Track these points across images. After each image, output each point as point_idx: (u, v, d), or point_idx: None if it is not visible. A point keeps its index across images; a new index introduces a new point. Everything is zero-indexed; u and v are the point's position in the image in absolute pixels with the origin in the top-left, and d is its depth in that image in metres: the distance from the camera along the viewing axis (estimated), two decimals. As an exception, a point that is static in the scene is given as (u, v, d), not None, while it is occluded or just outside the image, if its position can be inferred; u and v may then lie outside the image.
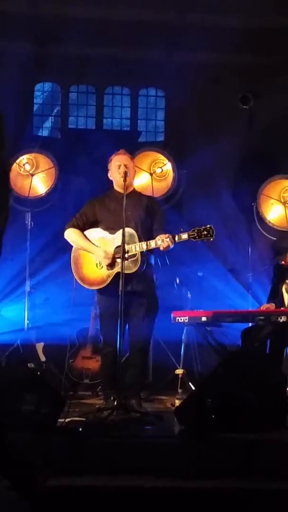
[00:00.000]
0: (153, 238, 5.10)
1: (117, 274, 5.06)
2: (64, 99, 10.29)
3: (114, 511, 3.33)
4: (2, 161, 0.92)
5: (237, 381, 4.33)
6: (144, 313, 5.27)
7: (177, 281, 7.67)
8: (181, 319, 5.90)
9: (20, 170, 8.08)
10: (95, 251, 5.31)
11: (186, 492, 3.46)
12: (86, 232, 5.43)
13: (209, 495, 3.45)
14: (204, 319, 5.76)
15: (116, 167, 5.42)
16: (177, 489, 3.46)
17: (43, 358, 6.87)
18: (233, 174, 9.14)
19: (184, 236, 5.02)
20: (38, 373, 6.21)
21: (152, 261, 5.34)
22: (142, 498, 3.40)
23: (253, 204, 8.24)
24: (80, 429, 4.31)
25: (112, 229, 5.27)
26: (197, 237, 4.98)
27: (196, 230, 4.99)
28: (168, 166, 8.18)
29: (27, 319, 7.32)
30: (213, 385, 4.43)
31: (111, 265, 5.20)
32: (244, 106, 8.64)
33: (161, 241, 5.00)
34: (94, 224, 5.44)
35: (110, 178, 5.53)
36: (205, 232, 4.96)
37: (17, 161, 8.04)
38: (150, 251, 5.21)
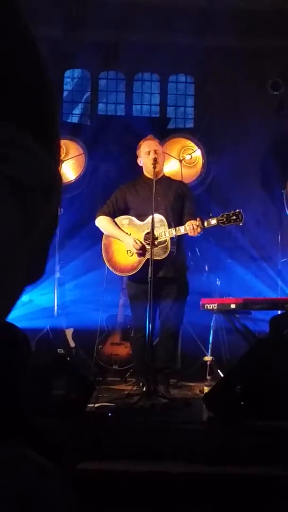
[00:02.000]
0: (184, 224, 5.09)
1: (148, 260, 5.06)
2: (94, 85, 10.29)
3: (141, 496, 3.35)
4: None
5: (266, 368, 4.31)
6: (174, 299, 5.28)
7: (206, 268, 7.66)
8: (210, 307, 5.89)
9: (50, 157, 8.10)
10: (124, 238, 5.32)
11: (214, 478, 3.47)
12: (116, 219, 5.44)
13: (237, 481, 3.46)
14: (233, 306, 5.74)
15: (146, 153, 5.40)
16: (205, 475, 3.47)
17: (72, 344, 6.91)
18: (263, 161, 9.06)
19: (213, 221, 5.00)
20: (68, 358, 6.25)
21: (184, 247, 5.34)
22: (170, 484, 3.41)
23: (283, 191, 8.17)
24: (110, 414, 4.35)
25: (142, 216, 5.27)
26: (226, 222, 4.96)
27: (225, 215, 4.97)
28: (197, 153, 8.14)
29: (57, 305, 7.35)
30: (242, 372, 4.42)
31: (141, 253, 5.20)
32: (275, 92, 8.57)
33: (190, 227, 4.99)
34: (125, 211, 5.45)
35: (140, 165, 5.52)
36: (234, 217, 4.94)
37: (47, 147, 8.06)
38: (181, 237, 5.20)
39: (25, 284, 0.90)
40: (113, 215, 5.45)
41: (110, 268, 5.45)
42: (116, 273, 5.47)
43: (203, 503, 3.33)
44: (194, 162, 8.18)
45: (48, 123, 0.91)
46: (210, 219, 5.02)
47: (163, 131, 8.82)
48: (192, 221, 5.01)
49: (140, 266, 5.22)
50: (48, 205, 0.88)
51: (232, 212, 4.95)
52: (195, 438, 3.94)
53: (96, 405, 4.50)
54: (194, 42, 9.20)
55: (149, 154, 5.37)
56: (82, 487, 3.08)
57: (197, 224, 4.96)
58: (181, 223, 5.14)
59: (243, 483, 3.47)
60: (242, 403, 4.23)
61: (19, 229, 0.84)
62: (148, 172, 5.40)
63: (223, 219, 4.97)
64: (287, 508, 3.29)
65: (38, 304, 7.58)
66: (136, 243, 5.19)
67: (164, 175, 5.59)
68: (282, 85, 8.43)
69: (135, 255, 5.25)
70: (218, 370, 6.13)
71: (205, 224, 5.00)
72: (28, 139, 0.86)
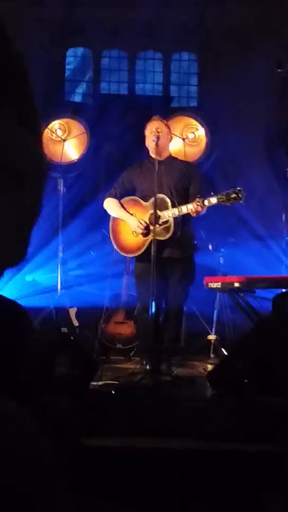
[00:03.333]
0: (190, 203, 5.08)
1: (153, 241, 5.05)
2: (96, 64, 10.24)
3: (144, 472, 3.36)
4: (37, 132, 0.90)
5: (270, 346, 4.32)
6: (179, 279, 5.28)
7: (210, 247, 7.64)
8: (213, 285, 5.87)
9: (52, 136, 8.07)
10: (129, 220, 5.33)
11: (217, 455, 3.48)
12: (122, 200, 5.45)
13: (241, 457, 3.47)
14: (237, 285, 5.72)
15: (149, 133, 5.40)
16: (208, 451, 3.48)
17: (76, 323, 6.93)
18: (268, 139, 9.02)
19: (214, 200, 4.98)
20: (71, 337, 6.26)
21: (191, 227, 5.33)
22: (172, 460, 3.43)
23: (287, 169, 8.13)
24: (113, 392, 4.36)
25: (147, 196, 5.27)
26: (226, 200, 4.93)
27: (225, 194, 4.94)
28: (201, 131, 8.08)
29: (60, 285, 7.36)
30: (246, 350, 4.42)
31: (146, 233, 5.20)
32: (279, 69, 8.49)
33: (191, 206, 4.98)
34: (131, 192, 5.47)
35: (147, 145, 5.50)
36: (234, 195, 4.90)
37: (49, 126, 8.03)
38: (187, 217, 5.18)
39: (5, 267, 0.89)
40: (119, 197, 5.48)
41: (117, 248, 5.47)
42: (123, 253, 5.49)
43: (206, 480, 3.35)
44: (197, 141, 8.12)
45: (29, 107, 0.91)
46: (210, 198, 4.99)
47: (166, 110, 8.78)
48: (194, 201, 5.00)
49: (145, 246, 5.22)
50: (34, 188, 0.88)
51: (232, 190, 4.92)
52: (198, 415, 3.94)
53: (100, 383, 4.52)
54: (197, 20, 9.12)
55: (152, 133, 5.36)
56: (84, 462, 3.09)
57: (198, 203, 4.95)
58: (187, 203, 5.12)
59: (246, 459, 3.48)
60: (245, 380, 4.24)
61: (3, 212, 0.84)
62: (152, 152, 5.38)
63: (223, 198, 4.93)
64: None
65: (41, 283, 7.60)
66: (140, 223, 5.19)
67: (170, 155, 5.58)
68: (286, 62, 8.35)
69: (140, 236, 5.25)
70: (222, 349, 6.15)
71: (206, 202, 4.98)
72: (14, 124, 0.86)
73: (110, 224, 5.52)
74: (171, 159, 5.54)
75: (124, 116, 8.63)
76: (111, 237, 5.50)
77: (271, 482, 3.35)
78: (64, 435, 2.99)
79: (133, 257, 5.46)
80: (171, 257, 5.18)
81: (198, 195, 5.05)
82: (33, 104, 0.94)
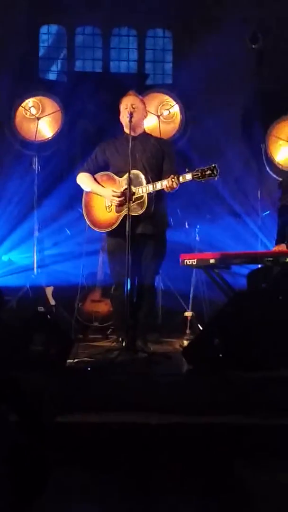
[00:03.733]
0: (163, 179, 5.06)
1: (126, 216, 5.03)
2: (70, 41, 10.11)
3: (120, 447, 3.38)
4: None
5: (244, 320, 4.34)
6: (152, 255, 5.27)
7: (186, 225, 7.64)
8: (189, 262, 5.87)
9: (26, 114, 8.00)
10: (102, 192, 5.32)
11: (193, 428, 3.51)
12: (96, 176, 5.42)
13: (215, 431, 3.50)
14: (212, 261, 5.72)
15: (124, 108, 5.37)
16: (184, 425, 3.51)
17: (52, 302, 6.92)
18: (243, 116, 8.99)
19: (188, 176, 4.96)
20: (48, 316, 6.25)
21: (164, 204, 5.31)
22: (149, 434, 3.45)
23: (262, 145, 8.13)
24: (89, 369, 4.37)
25: (121, 172, 5.24)
26: (201, 177, 4.91)
27: (199, 170, 4.92)
28: (175, 108, 8.06)
29: (36, 264, 7.33)
30: (220, 325, 4.45)
31: (119, 207, 5.18)
32: (253, 46, 8.45)
33: (166, 182, 4.97)
34: (105, 168, 5.43)
35: (121, 121, 5.47)
36: (209, 172, 4.88)
37: (23, 104, 7.96)
38: (161, 194, 5.17)
39: None
40: (93, 172, 5.44)
41: (89, 224, 5.43)
42: (95, 229, 5.45)
43: (181, 452, 3.37)
44: (172, 118, 8.10)
45: None
46: (185, 174, 4.97)
47: (141, 87, 8.72)
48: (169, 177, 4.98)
49: (118, 222, 5.20)
50: None
51: (207, 167, 4.90)
52: (174, 390, 3.96)
53: (76, 360, 4.52)
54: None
55: (126, 108, 5.32)
56: (59, 439, 3.10)
57: (172, 179, 4.93)
58: (160, 179, 5.10)
59: (220, 432, 3.51)
60: (220, 355, 4.27)
61: None
62: (126, 127, 5.34)
63: (198, 174, 4.92)
64: (262, 457, 3.34)
65: (16, 263, 7.57)
66: (115, 192, 5.17)
67: (144, 132, 5.55)
68: (260, 38, 8.31)
69: (113, 211, 5.23)
70: (198, 325, 6.17)
71: (180, 179, 4.96)
72: None
73: (83, 199, 5.48)
74: (145, 135, 5.52)
75: (98, 93, 8.56)
76: (84, 212, 5.46)
77: (248, 454, 3.39)
78: (38, 411, 2.99)
79: (105, 232, 5.43)
80: (144, 233, 5.17)
81: (172, 172, 5.03)
82: None
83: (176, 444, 3.44)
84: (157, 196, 5.15)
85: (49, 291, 6.97)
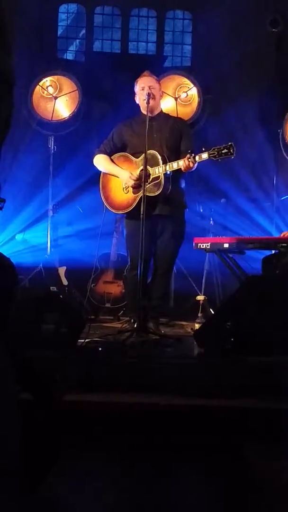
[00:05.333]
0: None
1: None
2: (89, 21, 10.04)
3: (129, 428, 3.40)
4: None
5: (256, 305, 4.33)
6: (169, 237, 5.26)
7: (201, 209, 7.62)
8: (203, 246, 5.86)
9: (44, 93, 7.97)
10: (120, 173, 5.30)
11: (202, 411, 3.51)
12: (113, 157, 5.41)
13: (225, 414, 3.50)
14: (226, 245, 5.71)
15: (141, 89, 5.33)
16: (193, 407, 3.52)
17: (65, 282, 6.92)
18: (260, 100, 8.91)
19: (204, 155, 4.93)
20: (60, 296, 6.26)
21: (182, 185, 5.29)
22: (158, 415, 3.46)
23: (279, 130, 8.06)
24: (100, 349, 4.38)
25: (138, 153, 5.22)
26: (217, 155, 4.88)
27: (216, 149, 4.88)
28: (193, 91, 7.99)
29: (50, 244, 7.33)
30: (233, 309, 4.44)
31: (136, 189, 5.16)
32: (273, 29, 8.38)
33: (183, 162, 4.94)
34: (122, 149, 5.42)
35: (137, 102, 5.43)
36: (225, 150, 4.85)
37: (40, 83, 7.92)
38: (179, 174, 5.14)
39: None
40: (110, 153, 5.43)
41: (106, 205, 5.43)
42: (113, 210, 5.45)
43: (190, 435, 3.38)
44: (189, 100, 8.03)
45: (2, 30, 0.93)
46: (202, 154, 4.94)
47: (159, 69, 8.65)
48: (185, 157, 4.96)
49: (135, 203, 5.18)
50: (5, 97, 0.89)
51: (223, 145, 4.87)
52: (184, 372, 3.97)
53: (87, 340, 4.53)
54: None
55: (143, 90, 5.29)
56: (68, 417, 3.11)
57: (188, 158, 4.91)
58: (178, 159, 5.07)
59: (230, 415, 3.52)
60: (232, 339, 4.26)
61: None
62: (144, 109, 5.30)
63: (214, 153, 4.89)
64: (272, 440, 3.34)
65: (31, 242, 7.58)
66: (132, 174, 5.16)
67: (161, 111, 5.52)
68: (280, 22, 8.23)
69: (131, 192, 5.23)
70: (210, 309, 6.16)
71: (197, 158, 4.94)
72: None
73: (101, 180, 5.47)
74: (163, 115, 5.49)
75: (116, 74, 8.49)
76: (101, 193, 5.45)
77: (258, 437, 3.40)
78: (48, 389, 3.01)
79: (123, 214, 5.43)
80: (161, 214, 5.15)
81: (189, 151, 5.00)
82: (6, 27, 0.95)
83: (185, 426, 3.45)
84: (174, 177, 5.12)
85: (62, 271, 6.97)
